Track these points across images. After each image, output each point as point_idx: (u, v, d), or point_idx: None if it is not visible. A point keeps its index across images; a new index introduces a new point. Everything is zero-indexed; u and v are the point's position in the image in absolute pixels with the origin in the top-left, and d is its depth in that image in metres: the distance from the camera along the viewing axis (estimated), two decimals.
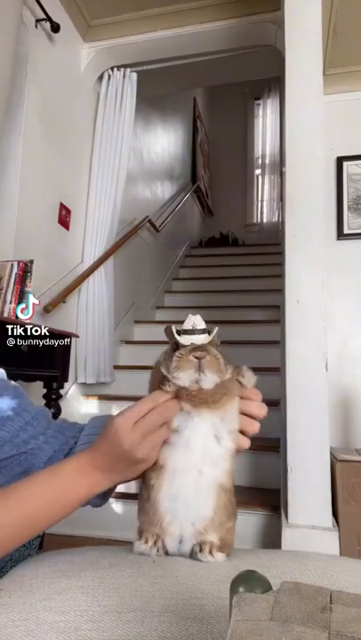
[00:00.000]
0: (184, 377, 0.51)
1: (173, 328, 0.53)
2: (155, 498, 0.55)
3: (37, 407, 0.68)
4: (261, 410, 0.56)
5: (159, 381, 0.54)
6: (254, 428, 0.55)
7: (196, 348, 0.51)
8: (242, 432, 0.55)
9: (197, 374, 0.51)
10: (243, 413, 0.55)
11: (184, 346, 0.52)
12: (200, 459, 0.53)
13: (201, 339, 0.52)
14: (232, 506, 0.57)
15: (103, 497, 0.61)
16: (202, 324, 0.54)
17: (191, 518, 0.54)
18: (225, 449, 0.54)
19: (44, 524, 0.53)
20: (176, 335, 0.53)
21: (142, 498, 0.57)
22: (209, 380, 0.51)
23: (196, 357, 0.51)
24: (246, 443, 0.55)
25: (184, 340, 0.52)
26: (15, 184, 2.20)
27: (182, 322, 0.55)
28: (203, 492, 0.53)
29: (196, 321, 0.54)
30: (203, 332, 0.53)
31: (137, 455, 0.52)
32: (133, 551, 0.56)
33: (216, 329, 0.54)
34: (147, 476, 0.56)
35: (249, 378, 0.56)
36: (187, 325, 0.53)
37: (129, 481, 0.57)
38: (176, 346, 0.53)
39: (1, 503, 0.51)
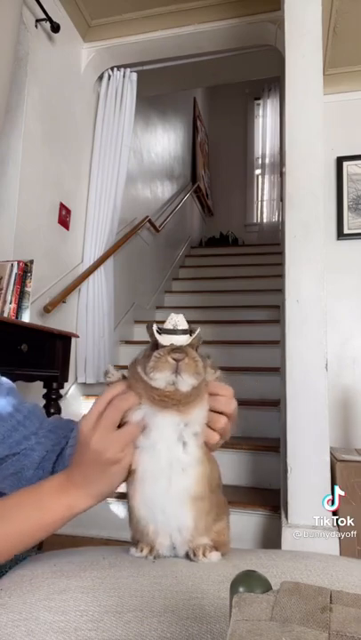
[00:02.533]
0: (160, 378, 0.49)
1: (154, 327, 0.52)
2: (132, 506, 0.54)
3: (29, 405, 0.67)
4: (229, 405, 0.53)
5: (134, 379, 0.52)
6: (220, 423, 0.53)
7: (175, 349, 0.49)
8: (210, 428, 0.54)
9: (174, 376, 0.49)
10: (211, 410, 0.53)
11: (163, 346, 0.50)
12: (167, 464, 0.51)
13: (182, 339, 0.51)
14: (218, 506, 0.55)
15: None
16: (183, 325, 0.52)
17: (174, 525, 0.52)
18: (192, 457, 0.52)
19: (26, 543, 0.52)
20: (156, 334, 0.51)
21: (128, 504, 0.56)
22: (186, 383, 0.49)
23: (175, 359, 0.49)
24: (214, 437, 0.53)
25: (164, 339, 0.51)
26: (15, 184, 2.20)
27: (153, 322, 0.54)
28: (176, 501, 0.51)
29: (177, 321, 0.52)
30: (184, 332, 0.51)
31: (105, 454, 0.50)
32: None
33: (198, 330, 0.52)
34: (126, 484, 0.55)
35: (210, 373, 0.54)
36: (168, 325, 0.52)
37: (111, 493, 0.55)
38: (156, 345, 0.51)
39: None
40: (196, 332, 0.52)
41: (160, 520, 0.52)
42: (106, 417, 0.51)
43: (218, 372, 0.55)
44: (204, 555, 0.53)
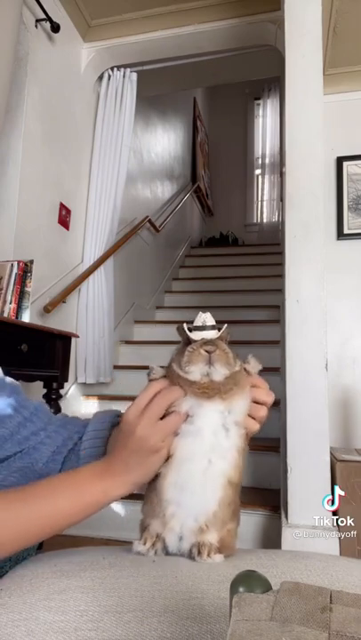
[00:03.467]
0: (195, 370, 0.53)
1: (185, 326, 0.56)
2: (161, 485, 0.56)
3: (36, 403, 0.68)
4: (269, 396, 0.57)
5: (172, 378, 0.56)
6: (261, 413, 0.57)
7: (206, 342, 0.54)
8: (251, 417, 0.57)
9: (208, 367, 0.53)
10: (253, 400, 0.57)
11: (195, 341, 0.54)
12: (210, 447, 0.54)
13: (211, 334, 0.55)
14: (236, 505, 0.58)
15: None
16: (212, 321, 0.56)
17: (195, 510, 0.55)
18: (232, 442, 0.55)
19: (63, 524, 0.54)
20: (188, 332, 0.55)
21: (148, 489, 0.58)
22: (219, 373, 0.53)
23: (207, 351, 0.53)
24: (255, 425, 0.56)
25: (195, 335, 0.55)
26: (15, 184, 2.20)
27: (183, 321, 0.57)
28: (210, 482, 0.54)
29: (206, 318, 0.56)
30: (213, 328, 0.56)
31: (149, 442, 0.53)
32: (132, 551, 0.56)
33: (225, 325, 0.56)
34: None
35: (254, 365, 0.58)
36: (197, 322, 0.56)
37: (145, 482, 0.57)
38: (188, 342, 0.55)
39: (21, 499, 0.52)
40: (225, 327, 0.56)
41: (184, 500, 0.54)
42: (152, 407, 0.54)
43: (260, 365, 0.59)
44: (208, 555, 0.54)
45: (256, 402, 0.57)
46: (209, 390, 0.54)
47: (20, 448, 0.62)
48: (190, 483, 0.54)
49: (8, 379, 0.67)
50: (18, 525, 0.51)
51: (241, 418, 0.55)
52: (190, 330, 0.56)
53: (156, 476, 0.56)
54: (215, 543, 0.55)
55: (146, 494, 0.59)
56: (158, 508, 0.56)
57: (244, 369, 0.57)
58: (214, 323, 0.56)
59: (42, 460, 0.63)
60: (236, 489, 0.56)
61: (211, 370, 0.53)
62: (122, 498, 0.56)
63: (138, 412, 0.54)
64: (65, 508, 0.53)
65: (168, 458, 0.55)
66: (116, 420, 0.65)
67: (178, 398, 0.54)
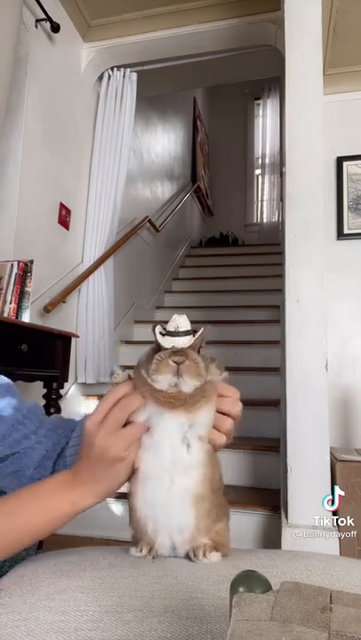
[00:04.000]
0: (162, 380, 0.50)
1: (157, 328, 0.52)
2: (133, 504, 0.54)
3: (29, 404, 0.67)
4: (235, 407, 0.54)
5: (139, 381, 0.53)
6: (226, 425, 0.53)
7: (175, 352, 0.50)
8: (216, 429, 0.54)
9: (176, 378, 0.50)
10: (217, 411, 0.53)
11: (165, 348, 0.51)
12: (171, 464, 0.52)
13: (183, 341, 0.51)
14: (219, 507, 0.56)
15: None
16: (186, 326, 0.52)
17: (174, 525, 0.53)
18: (195, 458, 0.52)
19: (33, 537, 0.53)
20: (158, 337, 0.52)
21: (128, 503, 0.56)
22: (188, 385, 0.50)
23: (175, 362, 0.50)
24: (220, 438, 0.53)
25: (166, 342, 0.51)
26: (15, 184, 2.20)
27: (160, 322, 0.54)
28: (178, 501, 0.52)
29: (180, 322, 0.52)
30: (187, 333, 0.52)
31: (110, 452, 0.51)
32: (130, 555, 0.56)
33: (201, 330, 0.52)
34: (128, 482, 0.55)
35: (214, 371, 0.54)
36: (170, 327, 0.52)
37: (115, 491, 0.55)
38: (159, 347, 0.52)
39: None
40: (198, 333, 0.52)
41: (161, 519, 0.53)
42: (112, 416, 0.51)
43: (224, 373, 0.55)
44: (204, 555, 0.53)
45: (221, 412, 0.53)
46: (175, 400, 0.51)
47: (11, 451, 0.62)
48: (158, 500, 0.52)
49: (4, 378, 0.67)
50: (20, 528, 0.51)
51: (205, 432, 0.52)
52: (163, 334, 0.52)
53: (129, 494, 0.54)
54: (209, 542, 0.54)
55: (129, 509, 0.56)
56: (139, 527, 0.54)
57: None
58: (189, 327, 0.52)
59: (32, 465, 0.63)
60: (211, 498, 0.53)
61: (179, 381, 0.50)
62: (124, 497, 0.55)
63: (97, 422, 0.52)
64: (33, 523, 0.52)
65: (134, 470, 0.53)
66: None
67: (138, 408, 0.52)
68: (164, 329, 0.52)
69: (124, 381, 0.54)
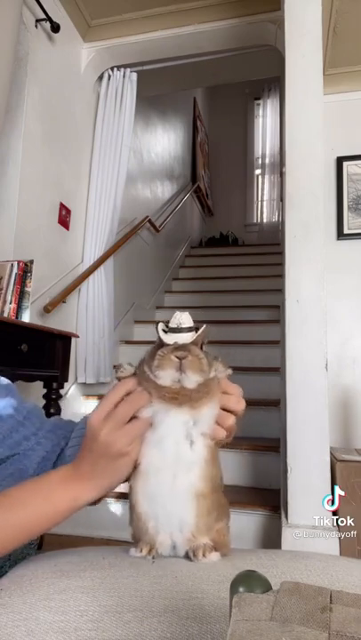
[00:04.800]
0: (165, 376, 0.50)
1: (160, 325, 0.53)
2: (134, 500, 0.54)
3: (29, 405, 0.67)
4: (239, 404, 0.54)
5: (143, 378, 0.53)
6: (229, 421, 0.53)
7: (178, 347, 0.51)
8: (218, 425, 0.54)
9: (178, 374, 0.50)
10: (221, 407, 0.54)
11: (168, 345, 0.51)
12: (174, 460, 0.52)
13: (186, 337, 0.52)
14: (220, 507, 0.56)
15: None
16: (188, 322, 0.53)
17: (174, 523, 0.53)
18: (198, 455, 0.52)
19: (32, 533, 0.53)
20: (161, 333, 0.52)
21: (129, 500, 0.56)
22: (191, 380, 0.50)
23: (178, 357, 0.50)
24: (221, 433, 0.53)
25: (168, 338, 0.52)
26: (15, 184, 2.20)
27: (160, 320, 0.54)
28: (179, 497, 0.52)
29: (182, 319, 0.52)
30: (189, 330, 0.52)
31: (114, 447, 0.51)
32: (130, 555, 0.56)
33: (203, 327, 0.53)
34: (130, 478, 0.55)
35: (221, 370, 0.54)
36: (172, 323, 0.53)
37: (116, 487, 0.56)
38: (162, 344, 0.52)
39: None
40: (201, 330, 0.52)
41: (161, 516, 0.53)
42: (118, 412, 0.52)
43: (229, 370, 0.55)
44: (203, 555, 0.53)
45: (225, 409, 0.54)
46: (179, 396, 0.51)
47: (11, 452, 0.62)
48: (159, 496, 0.52)
49: (4, 380, 0.67)
50: (19, 522, 0.51)
51: (208, 429, 0.53)
52: (165, 331, 0.52)
53: (130, 491, 0.55)
54: (209, 542, 0.54)
55: (129, 509, 0.57)
56: (140, 524, 0.54)
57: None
58: (192, 324, 0.53)
59: (32, 466, 0.63)
60: (212, 496, 0.54)
61: (182, 377, 0.50)
62: (123, 497, 0.56)
63: (102, 416, 0.52)
64: (32, 519, 0.52)
65: (136, 466, 0.53)
66: None
67: (144, 405, 0.52)
68: (167, 326, 0.53)
69: (129, 376, 0.54)
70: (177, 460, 0.52)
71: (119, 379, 0.55)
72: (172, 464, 0.52)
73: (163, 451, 0.52)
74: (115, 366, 0.56)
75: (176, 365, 0.50)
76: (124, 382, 0.53)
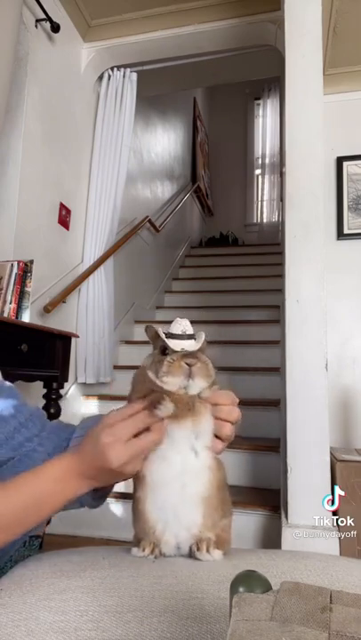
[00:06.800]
0: (173, 382, 0.51)
1: (160, 330, 0.54)
2: (142, 510, 0.56)
3: (31, 408, 0.68)
4: (231, 414, 0.55)
5: (143, 384, 0.54)
6: (226, 430, 0.55)
7: (187, 354, 0.52)
8: (216, 436, 0.56)
9: (187, 380, 0.51)
10: (216, 418, 0.55)
11: (174, 351, 0.52)
12: (181, 471, 0.54)
13: (191, 344, 0.53)
14: (225, 504, 0.58)
15: (99, 498, 0.62)
16: (191, 329, 0.54)
17: (183, 524, 0.55)
18: (203, 463, 0.55)
19: (22, 526, 0.54)
20: (165, 339, 0.53)
21: (134, 506, 0.58)
22: (197, 386, 0.52)
23: (188, 364, 0.51)
24: (220, 445, 0.55)
25: (174, 344, 0.53)
26: (15, 184, 2.20)
27: (151, 322, 0.55)
28: (189, 502, 0.54)
29: (186, 326, 0.54)
30: (190, 337, 0.54)
31: (125, 472, 0.53)
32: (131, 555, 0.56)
33: (203, 334, 0.54)
34: (134, 486, 0.57)
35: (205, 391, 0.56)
36: (176, 330, 0.54)
37: (110, 486, 0.58)
38: (164, 349, 0.53)
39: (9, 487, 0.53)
40: (203, 337, 0.54)
41: (171, 520, 0.55)
42: (141, 446, 0.53)
43: (215, 386, 0.56)
44: (207, 550, 0.54)
45: (220, 419, 0.55)
46: (182, 405, 0.53)
47: (13, 454, 0.62)
48: (169, 505, 0.54)
49: (6, 383, 0.67)
50: (12, 511, 0.53)
51: (209, 441, 0.55)
52: (167, 336, 0.53)
53: (136, 499, 0.57)
54: (213, 537, 0.55)
55: (133, 512, 0.59)
56: (147, 527, 0.56)
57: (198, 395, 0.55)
58: (193, 331, 0.54)
59: (34, 467, 0.63)
60: (218, 495, 0.56)
61: (190, 383, 0.51)
62: (123, 497, 0.57)
63: (120, 445, 0.52)
64: (21, 512, 0.54)
65: (140, 476, 0.55)
66: None
67: (159, 443, 0.54)
68: (167, 332, 0.54)
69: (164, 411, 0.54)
70: (184, 471, 0.54)
71: (158, 414, 0.54)
72: (179, 474, 0.54)
73: (170, 464, 0.54)
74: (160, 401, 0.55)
75: (186, 372, 0.51)
76: (144, 415, 0.54)
